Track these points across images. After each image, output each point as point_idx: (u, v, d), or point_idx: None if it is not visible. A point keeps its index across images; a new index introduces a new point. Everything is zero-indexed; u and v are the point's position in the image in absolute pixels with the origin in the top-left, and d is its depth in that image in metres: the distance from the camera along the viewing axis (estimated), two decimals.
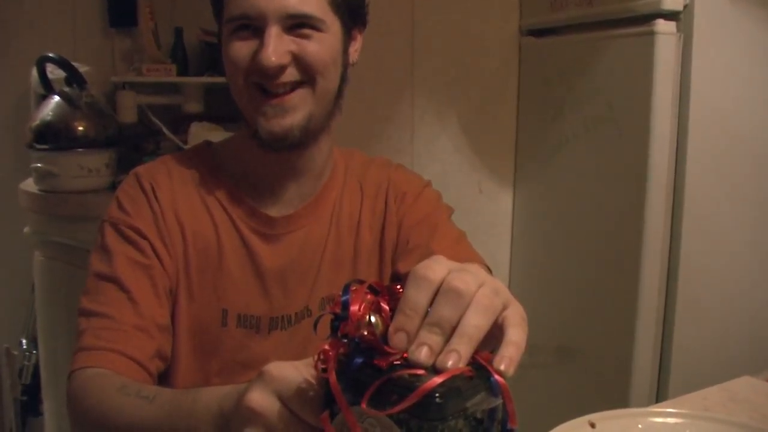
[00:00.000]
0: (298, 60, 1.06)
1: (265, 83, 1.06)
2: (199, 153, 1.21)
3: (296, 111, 1.07)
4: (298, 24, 1.05)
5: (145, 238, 1.08)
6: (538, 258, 2.38)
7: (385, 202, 1.22)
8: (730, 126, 1.87)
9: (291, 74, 1.06)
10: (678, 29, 1.82)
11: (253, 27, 1.05)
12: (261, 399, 0.63)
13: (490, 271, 1.12)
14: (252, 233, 1.15)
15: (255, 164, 1.15)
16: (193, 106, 2.55)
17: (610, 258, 2.02)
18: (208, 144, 1.23)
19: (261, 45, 1.04)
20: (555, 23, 2.23)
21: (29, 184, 2.11)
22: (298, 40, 1.05)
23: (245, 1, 1.04)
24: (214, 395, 0.74)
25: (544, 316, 2.23)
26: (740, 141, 1.89)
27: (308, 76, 1.07)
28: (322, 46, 1.07)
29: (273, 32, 1.03)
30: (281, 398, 0.63)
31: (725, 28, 1.84)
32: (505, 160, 2.46)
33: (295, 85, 1.07)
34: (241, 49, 1.06)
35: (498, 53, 2.39)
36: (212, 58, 2.48)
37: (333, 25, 1.08)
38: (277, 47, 1.03)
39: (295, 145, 1.10)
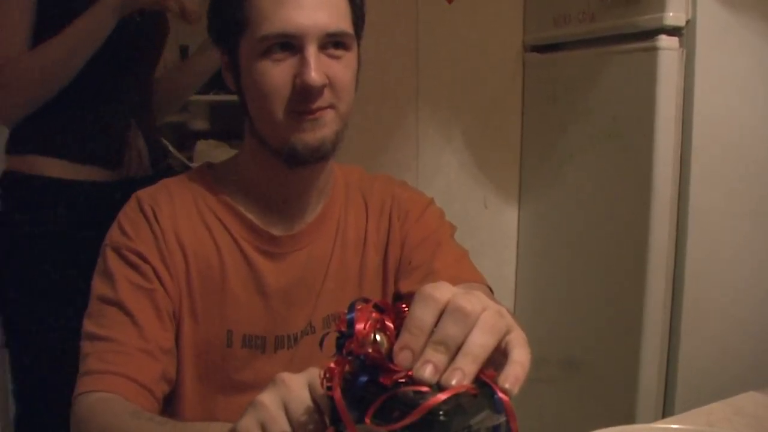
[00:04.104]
0: (330, 83, 1.05)
1: (304, 109, 1.05)
2: (200, 175, 1.20)
3: (327, 126, 1.07)
4: (332, 43, 1.05)
5: (146, 261, 1.08)
6: (544, 273, 2.38)
7: (389, 220, 1.22)
8: (733, 139, 1.88)
9: (326, 99, 1.05)
10: (681, 44, 1.83)
11: (290, 47, 1.03)
12: (249, 427, 0.66)
13: (492, 291, 1.13)
14: (255, 252, 1.14)
15: (264, 183, 1.15)
16: (199, 124, 2.56)
17: (615, 273, 2.02)
18: (209, 166, 1.23)
19: (303, 65, 1.02)
20: (558, 39, 2.24)
21: None
22: (329, 61, 1.05)
23: (285, 17, 1.02)
24: (226, 428, 0.76)
25: (550, 330, 2.23)
26: (744, 154, 1.89)
27: (336, 99, 1.07)
28: (348, 68, 1.07)
29: (313, 51, 1.02)
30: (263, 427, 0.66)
31: (728, 43, 1.84)
32: (510, 175, 2.46)
33: (325, 107, 1.07)
34: (281, 74, 1.04)
35: (502, 69, 2.40)
36: (218, 75, 2.48)
37: (355, 43, 1.09)
38: (318, 66, 1.02)
39: (323, 158, 1.10)
